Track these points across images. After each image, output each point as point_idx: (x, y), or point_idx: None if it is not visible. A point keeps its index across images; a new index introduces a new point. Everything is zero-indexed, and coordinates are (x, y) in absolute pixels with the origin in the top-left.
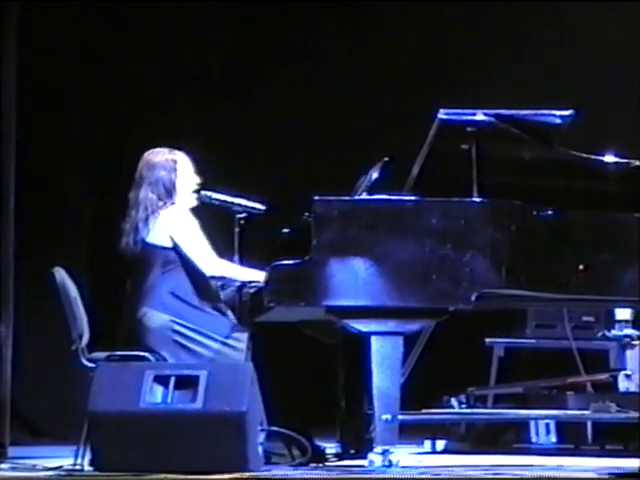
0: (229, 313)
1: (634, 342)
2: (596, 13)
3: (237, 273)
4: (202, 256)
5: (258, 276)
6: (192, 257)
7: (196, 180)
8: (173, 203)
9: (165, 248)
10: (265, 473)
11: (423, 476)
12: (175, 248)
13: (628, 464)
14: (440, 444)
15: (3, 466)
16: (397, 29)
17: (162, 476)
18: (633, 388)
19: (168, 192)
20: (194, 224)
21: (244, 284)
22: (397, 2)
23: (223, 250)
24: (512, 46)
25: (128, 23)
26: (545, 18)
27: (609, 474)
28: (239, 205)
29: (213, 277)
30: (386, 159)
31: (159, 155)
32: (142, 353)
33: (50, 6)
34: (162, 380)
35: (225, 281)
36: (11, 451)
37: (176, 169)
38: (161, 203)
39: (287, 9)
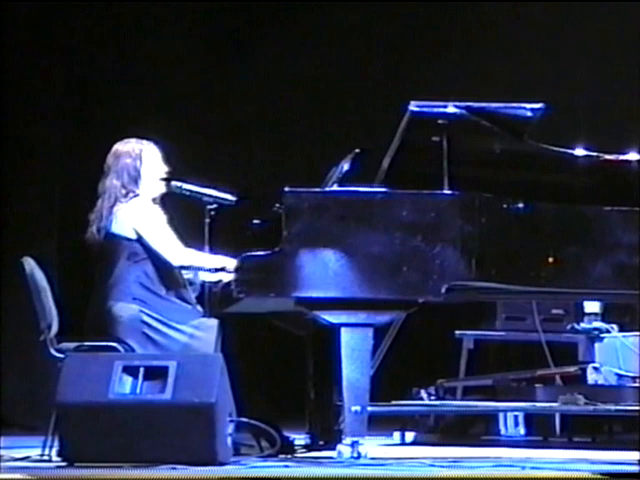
0: (197, 306)
1: (602, 335)
2: (567, 8)
3: (204, 261)
4: (167, 247)
5: (225, 263)
6: (157, 248)
7: (164, 169)
8: (137, 195)
9: (130, 240)
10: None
11: (390, 467)
12: (140, 240)
13: (595, 456)
14: (409, 436)
15: None
16: (367, 21)
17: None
18: (601, 381)
19: (132, 179)
20: (157, 215)
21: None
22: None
23: (193, 241)
24: (483, 39)
25: (101, 14)
26: (516, 12)
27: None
28: (209, 196)
29: (182, 267)
30: (357, 151)
31: (126, 145)
32: (111, 344)
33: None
34: (131, 371)
35: (192, 270)
36: None
37: (141, 157)
38: (124, 191)
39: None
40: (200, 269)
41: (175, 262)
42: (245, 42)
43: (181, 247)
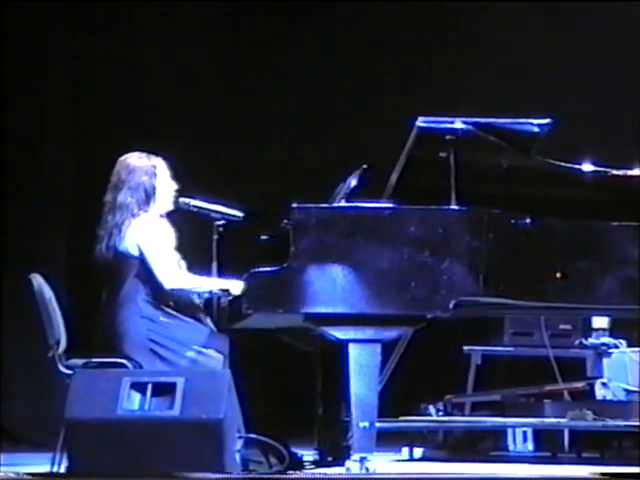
0: (207, 320)
1: (610, 350)
2: (579, 19)
3: (198, 284)
4: (161, 268)
5: (224, 285)
6: (153, 268)
7: (173, 186)
8: (146, 212)
9: (136, 257)
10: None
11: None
12: (141, 257)
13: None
14: (418, 452)
15: None
16: (374, 37)
17: None
18: (609, 396)
19: (148, 197)
20: (161, 235)
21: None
22: (373, 2)
23: (201, 257)
24: (494, 54)
25: (111, 24)
26: (529, 24)
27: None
28: (217, 212)
29: (173, 290)
30: (365, 166)
31: (139, 159)
32: (119, 360)
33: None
34: (139, 387)
35: (186, 293)
36: None
37: (156, 174)
38: (136, 210)
39: (270, 13)
40: (193, 293)
41: (166, 284)
42: (252, 54)
43: (175, 270)
